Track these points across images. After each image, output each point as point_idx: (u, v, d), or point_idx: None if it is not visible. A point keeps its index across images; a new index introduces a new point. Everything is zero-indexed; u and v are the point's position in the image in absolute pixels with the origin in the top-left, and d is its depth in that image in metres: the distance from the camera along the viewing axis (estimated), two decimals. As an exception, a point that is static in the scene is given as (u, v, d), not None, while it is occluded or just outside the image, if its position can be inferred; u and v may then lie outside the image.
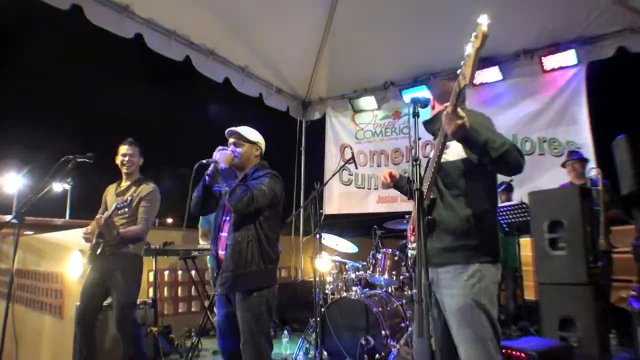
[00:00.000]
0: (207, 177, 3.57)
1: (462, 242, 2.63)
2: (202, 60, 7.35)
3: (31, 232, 8.08)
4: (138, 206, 4.61)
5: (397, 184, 3.38)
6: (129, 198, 4.42)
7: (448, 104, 2.43)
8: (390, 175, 3.35)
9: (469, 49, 2.34)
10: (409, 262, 3.12)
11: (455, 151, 2.73)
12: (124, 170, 4.77)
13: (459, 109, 2.40)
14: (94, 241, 4.51)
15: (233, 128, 3.67)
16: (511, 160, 2.49)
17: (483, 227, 2.67)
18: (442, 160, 2.67)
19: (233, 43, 7.60)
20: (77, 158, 4.52)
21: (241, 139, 3.66)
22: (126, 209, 4.44)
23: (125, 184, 4.82)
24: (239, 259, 3.34)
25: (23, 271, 7.26)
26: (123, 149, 4.76)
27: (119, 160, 4.76)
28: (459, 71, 2.36)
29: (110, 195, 4.85)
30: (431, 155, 2.78)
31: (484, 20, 2.35)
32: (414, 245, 2.82)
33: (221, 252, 3.50)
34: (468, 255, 2.62)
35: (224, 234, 3.52)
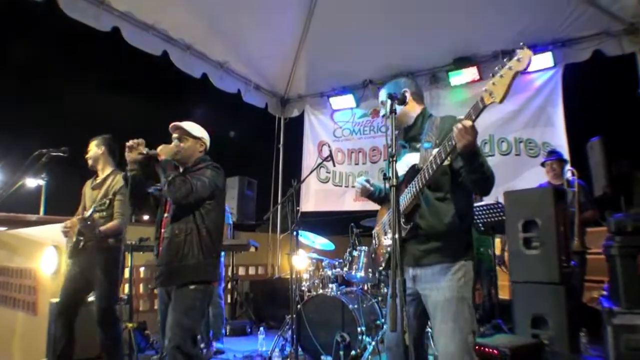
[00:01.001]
0: (133, 171, 3.46)
1: (448, 243, 2.71)
2: (180, 55, 7.31)
3: (4, 228, 7.96)
4: (113, 200, 4.54)
5: (371, 195, 3.36)
6: (107, 201, 4.39)
7: (462, 117, 2.43)
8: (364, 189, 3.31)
9: (506, 70, 2.25)
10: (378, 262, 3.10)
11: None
12: (89, 163, 4.73)
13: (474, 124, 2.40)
14: (74, 237, 4.45)
15: (177, 123, 3.61)
16: (489, 184, 2.66)
17: (465, 227, 2.79)
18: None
19: (212, 38, 7.57)
20: (51, 152, 4.47)
21: (185, 134, 3.60)
22: (104, 206, 4.40)
23: (100, 177, 4.77)
24: (176, 251, 3.27)
25: (-5, 267, 7.15)
26: (89, 146, 4.74)
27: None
28: (484, 88, 2.31)
29: (87, 188, 4.80)
30: (414, 160, 2.81)
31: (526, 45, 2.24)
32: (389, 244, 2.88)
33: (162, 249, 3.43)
34: (453, 253, 2.71)
35: (164, 231, 3.45)
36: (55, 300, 5.17)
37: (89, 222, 4.30)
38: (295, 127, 9.93)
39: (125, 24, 6.39)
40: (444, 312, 2.61)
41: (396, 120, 2.77)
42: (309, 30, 8.10)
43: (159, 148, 3.43)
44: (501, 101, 2.26)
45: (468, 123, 2.36)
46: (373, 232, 3.29)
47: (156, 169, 3.40)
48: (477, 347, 3.44)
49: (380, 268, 3.07)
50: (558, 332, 4.29)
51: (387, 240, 2.98)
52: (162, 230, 3.46)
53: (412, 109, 2.99)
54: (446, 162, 2.64)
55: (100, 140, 4.74)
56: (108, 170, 4.77)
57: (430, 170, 2.59)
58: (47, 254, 6.06)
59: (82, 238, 4.40)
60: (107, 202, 4.37)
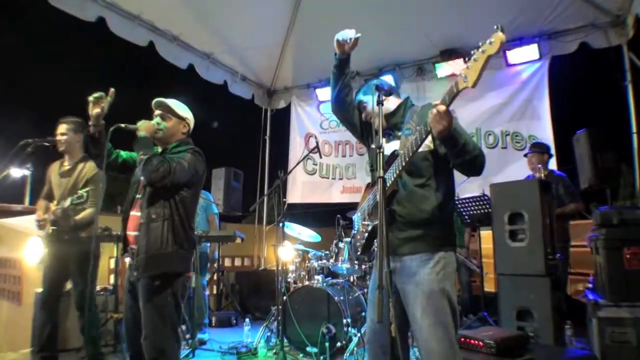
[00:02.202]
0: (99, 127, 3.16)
1: (426, 232, 2.62)
2: (166, 45, 7.26)
3: (-11, 218, 7.89)
4: (88, 190, 4.45)
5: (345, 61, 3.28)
6: (84, 194, 4.29)
7: (437, 102, 2.38)
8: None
9: (479, 53, 2.22)
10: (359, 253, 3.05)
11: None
12: (59, 149, 4.62)
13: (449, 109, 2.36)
14: (49, 228, 4.45)
15: (161, 98, 3.38)
16: (477, 164, 2.59)
17: (445, 217, 2.70)
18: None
19: (198, 29, 7.51)
20: (36, 142, 4.43)
21: (169, 112, 3.37)
22: (82, 199, 4.31)
23: (67, 163, 4.70)
24: (154, 239, 3.05)
25: (-21, 257, 7.08)
26: (59, 128, 4.60)
27: (57, 139, 4.61)
28: (459, 72, 2.27)
29: (54, 174, 4.72)
30: (395, 147, 2.75)
31: (502, 27, 2.23)
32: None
33: (131, 233, 3.20)
34: (432, 243, 2.62)
35: (135, 213, 3.22)
36: (40, 290, 5.17)
37: (65, 214, 4.28)
38: (282, 118, 9.91)
39: (111, 14, 6.31)
40: (423, 307, 2.52)
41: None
42: (296, 22, 8.07)
43: (139, 123, 3.21)
44: (474, 85, 2.22)
45: (442, 108, 2.33)
46: (353, 217, 3.25)
47: (133, 146, 3.18)
48: (462, 339, 3.44)
49: (358, 253, 3.03)
50: (543, 324, 4.31)
51: (364, 226, 2.94)
52: (132, 213, 3.24)
53: (393, 103, 2.97)
54: (427, 149, 2.64)
55: (77, 125, 4.64)
56: (77, 156, 4.69)
57: (407, 157, 2.52)
58: (31, 243, 6.02)
59: (56, 228, 4.40)
60: (85, 195, 4.29)
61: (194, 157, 3.24)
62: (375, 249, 2.61)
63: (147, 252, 3.03)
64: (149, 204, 3.12)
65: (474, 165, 2.58)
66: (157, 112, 3.37)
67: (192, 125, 3.53)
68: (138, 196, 3.25)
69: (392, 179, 2.63)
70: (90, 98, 3.08)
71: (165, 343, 3.00)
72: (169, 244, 3.07)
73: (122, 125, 3.17)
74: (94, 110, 3.09)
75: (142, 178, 3.20)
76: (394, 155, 2.67)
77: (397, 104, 2.98)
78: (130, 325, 3.17)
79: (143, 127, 3.19)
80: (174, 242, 3.10)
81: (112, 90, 3.13)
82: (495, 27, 2.23)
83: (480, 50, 2.23)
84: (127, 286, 3.23)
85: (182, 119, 3.43)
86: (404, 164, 2.55)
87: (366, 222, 2.93)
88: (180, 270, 3.17)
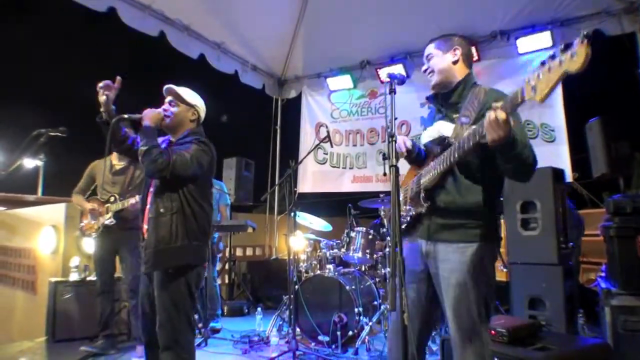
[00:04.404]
0: (102, 114, 3.16)
1: (467, 222, 2.55)
2: (177, 35, 7.22)
3: (3, 208, 7.97)
4: (141, 186, 4.67)
5: (409, 155, 2.85)
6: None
7: (498, 104, 2.13)
8: (405, 144, 2.79)
9: (554, 63, 1.86)
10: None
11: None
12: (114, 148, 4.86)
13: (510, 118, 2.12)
14: (107, 218, 4.86)
15: (171, 85, 3.33)
16: (527, 172, 2.44)
17: (488, 210, 2.59)
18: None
19: (209, 19, 7.48)
20: (49, 132, 4.46)
21: (178, 99, 3.32)
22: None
23: (119, 163, 5.08)
24: (163, 233, 3.03)
25: (-5, 247, 7.17)
26: None
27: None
28: (527, 77, 1.95)
29: (100, 173, 5.08)
30: (447, 132, 2.62)
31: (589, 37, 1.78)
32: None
33: (145, 226, 3.18)
34: (472, 234, 2.54)
35: (149, 207, 3.20)
36: (55, 279, 5.30)
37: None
38: (293, 108, 9.88)
39: (122, 3, 6.27)
40: (455, 295, 2.49)
41: (438, 75, 2.72)
42: (306, 11, 8.05)
43: (145, 112, 3.18)
44: (541, 101, 1.92)
45: (502, 115, 2.09)
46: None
47: (138, 135, 3.18)
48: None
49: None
50: (556, 313, 4.31)
51: (405, 210, 2.80)
52: (148, 206, 3.21)
53: (459, 71, 2.75)
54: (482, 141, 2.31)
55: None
56: (127, 158, 5.00)
57: (460, 152, 2.39)
58: (45, 233, 6.08)
59: (115, 220, 4.84)
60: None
61: (199, 147, 3.17)
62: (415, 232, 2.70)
63: (156, 246, 3.03)
64: (158, 197, 3.10)
65: (524, 173, 2.44)
66: (168, 98, 3.34)
67: (202, 113, 3.46)
68: (151, 189, 3.22)
69: (440, 171, 2.54)
70: (99, 85, 3.11)
71: (179, 332, 3.01)
72: (179, 237, 3.05)
73: (125, 115, 3.16)
74: (101, 98, 3.11)
75: None
76: (445, 144, 2.57)
77: (461, 76, 2.75)
78: (146, 313, 3.19)
79: (148, 116, 3.16)
80: (185, 236, 3.07)
81: (118, 78, 3.15)
82: (582, 34, 1.78)
83: (557, 59, 1.86)
84: (142, 276, 3.25)
85: (190, 105, 3.37)
86: (455, 158, 2.44)
87: (407, 207, 2.81)
88: (193, 263, 3.14)
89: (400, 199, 2.79)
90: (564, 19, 6.78)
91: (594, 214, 7.00)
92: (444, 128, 2.66)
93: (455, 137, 2.53)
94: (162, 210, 3.06)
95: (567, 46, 1.81)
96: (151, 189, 3.21)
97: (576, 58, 1.78)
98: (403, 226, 2.76)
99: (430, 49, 2.83)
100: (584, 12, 6.63)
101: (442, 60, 2.77)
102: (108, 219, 4.83)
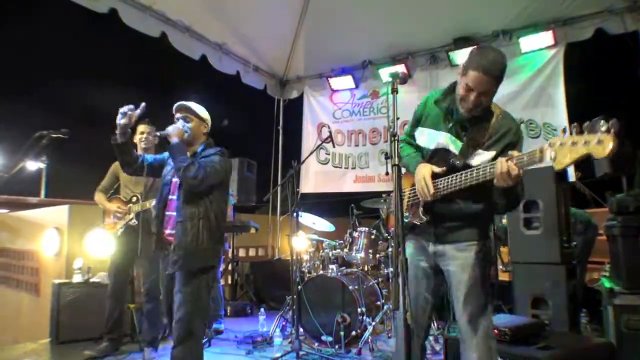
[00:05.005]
0: (118, 136, 3.33)
1: (473, 223, 2.74)
2: (178, 36, 7.22)
3: (6, 211, 7.98)
4: None
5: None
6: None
7: (514, 153, 2.36)
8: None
9: (580, 141, 2.03)
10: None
11: (479, 159, 2.63)
12: (141, 146, 4.98)
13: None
14: (130, 219, 4.88)
15: (183, 102, 3.58)
16: (513, 208, 2.83)
17: (489, 212, 2.83)
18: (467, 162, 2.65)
19: (210, 19, 7.49)
20: (51, 134, 4.47)
21: (191, 114, 3.58)
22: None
23: None
24: (191, 237, 3.30)
25: (-2, 249, 7.18)
26: (141, 127, 4.99)
27: (137, 138, 4.97)
28: (549, 143, 2.15)
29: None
30: (453, 148, 2.72)
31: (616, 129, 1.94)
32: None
33: (168, 231, 3.48)
34: (477, 233, 2.73)
35: (171, 213, 3.48)
36: (58, 281, 5.29)
37: None
38: (295, 108, 9.87)
39: (123, 4, 6.27)
40: (468, 288, 2.66)
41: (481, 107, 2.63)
42: (308, 11, 8.03)
43: (170, 129, 3.43)
44: (558, 170, 2.16)
45: (515, 171, 2.28)
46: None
47: (168, 151, 3.46)
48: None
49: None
50: (558, 312, 4.30)
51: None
52: (168, 213, 3.49)
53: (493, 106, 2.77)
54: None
55: (154, 128, 4.95)
56: None
57: (465, 186, 2.55)
58: (48, 235, 6.09)
59: (136, 221, 4.84)
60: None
61: (222, 159, 3.49)
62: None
63: (186, 248, 3.27)
64: (185, 204, 3.36)
65: (512, 208, 2.79)
66: (178, 114, 3.57)
67: (210, 125, 3.72)
68: (172, 197, 3.49)
69: (451, 189, 2.62)
70: (121, 110, 3.26)
71: (194, 326, 3.26)
72: (205, 240, 3.32)
73: (157, 133, 3.48)
74: (122, 121, 3.26)
75: (174, 180, 3.50)
76: (450, 161, 2.68)
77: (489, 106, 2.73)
78: (172, 311, 3.39)
79: (175, 133, 3.41)
80: (209, 239, 3.35)
81: (143, 104, 3.32)
82: (603, 123, 1.93)
83: (582, 140, 2.02)
84: (165, 276, 3.51)
85: (202, 119, 3.63)
86: (456, 189, 2.59)
87: (406, 214, 2.89)
88: (214, 264, 3.46)
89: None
90: (566, 17, 6.77)
91: (597, 213, 6.98)
92: (450, 143, 2.75)
93: (460, 156, 2.65)
94: (190, 215, 3.33)
95: (593, 126, 1.98)
96: (171, 196, 3.50)
97: (603, 147, 1.93)
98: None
99: (490, 84, 2.62)
100: (587, 11, 6.62)
101: (492, 96, 2.70)
102: (130, 220, 4.85)
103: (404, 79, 2.70)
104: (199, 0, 7.09)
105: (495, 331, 3.34)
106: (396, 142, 2.37)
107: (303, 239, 6.07)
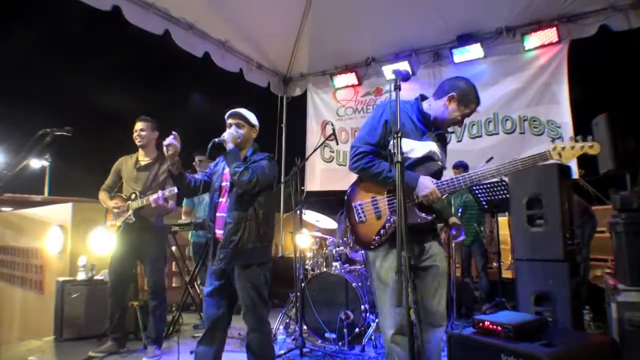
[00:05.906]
0: (174, 171, 3.62)
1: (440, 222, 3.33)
2: (181, 34, 7.24)
3: (10, 209, 8.00)
4: (165, 183, 4.91)
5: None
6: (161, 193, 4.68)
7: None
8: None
9: (577, 147, 2.85)
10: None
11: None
12: (137, 143, 5.04)
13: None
14: (130, 216, 4.85)
15: (236, 109, 3.80)
16: None
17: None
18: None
19: (213, 17, 7.50)
20: (54, 132, 4.48)
21: (244, 121, 3.79)
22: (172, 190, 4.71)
23: (145, 159, 5.09)
24: (239, 236, 3.52)
25: (2, 247, 7.20)
26: (137, 125, 5.03)
27: (134, 135, 5.04)
28: (551, 147, 2.94)
29: (128, 168, 5.09)
30: (432, 150, 3.18)
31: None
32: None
33: (219, 232, 3.63)
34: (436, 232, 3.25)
35: (221, 215, 3.64)
36: (62, 278, 5.29)
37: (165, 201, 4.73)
38: (298, 106, 9.87)
39: (126, 2, 6.28)
40: (442, 280, 3.09)
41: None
42: (311, 8, 8.04)
43: (225, 135, 3.65)
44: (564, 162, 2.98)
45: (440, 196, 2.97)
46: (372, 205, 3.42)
47: (224, 157, 3.67)
48: (479, 324, 3.45)
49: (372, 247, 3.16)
50: (562, 309, 4.29)
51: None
52: (219, 215, 3.66)
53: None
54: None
55: (154, 124, 5.10)
56: (153, 153, 5.13)
57: (471, 183, 3.13)
58: (52, 233, 6.11)
59: (135, 217, 4.83)
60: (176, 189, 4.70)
61: (270, 164, 3.74)
62: None
63: (234, 247, 3.51)
64: (234, 208, 3.59)
65: None
66: (231, 121, 3.79)
67: (258, 131, 3.99)
68: (221, 200, 3.70)
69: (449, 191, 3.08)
70: (165, 144, 3.52)
71: (262, 314, 3.63)
72: (251, 240, 3.56)
73: (216, 140, 3.63)
74: (168, 152, 3.52)
75: (223, 184, 3.71)
76: (431, 164, 3.17)
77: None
78: (213, 302, 3.70)
79: (230, 139, 3.65)
80: (257, 238, 3.59)
81: (175, 134, 3.56)
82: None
83: (578, 145, 2.85)
84: (210, 271, 3.68)
85: (253, 126, 3.90)
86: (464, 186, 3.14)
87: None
88: (263, 260, 3.65)
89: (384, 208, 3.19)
90: (570, 14, 6.76)
91: (601, 210, 6.98)
92: (433, 147, 3.19)
93: (437, 156, 3.20)
94: (238, 218, 3.56)
95: (585, 138, 2.85)
96: (221, 199, 3.71)
97: (594, 148, 2.84)
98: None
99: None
100: (590, 8, 6.61)
101: None
102: (129, 217, 4.86)
103: (407, 77, 2.75)
104: (202, -2, 7.08)
105: (499, 328, 3.35)
106: (399, 139, 2.38)
107: (306, 237, 6.08)
